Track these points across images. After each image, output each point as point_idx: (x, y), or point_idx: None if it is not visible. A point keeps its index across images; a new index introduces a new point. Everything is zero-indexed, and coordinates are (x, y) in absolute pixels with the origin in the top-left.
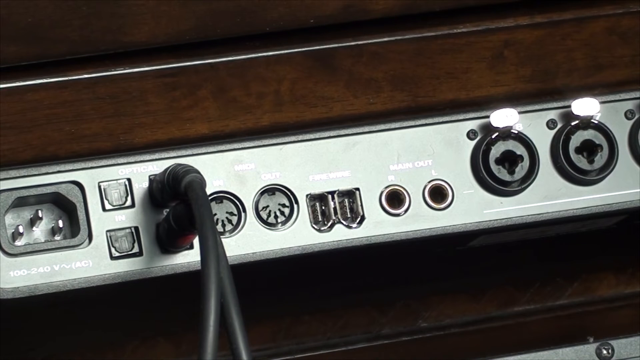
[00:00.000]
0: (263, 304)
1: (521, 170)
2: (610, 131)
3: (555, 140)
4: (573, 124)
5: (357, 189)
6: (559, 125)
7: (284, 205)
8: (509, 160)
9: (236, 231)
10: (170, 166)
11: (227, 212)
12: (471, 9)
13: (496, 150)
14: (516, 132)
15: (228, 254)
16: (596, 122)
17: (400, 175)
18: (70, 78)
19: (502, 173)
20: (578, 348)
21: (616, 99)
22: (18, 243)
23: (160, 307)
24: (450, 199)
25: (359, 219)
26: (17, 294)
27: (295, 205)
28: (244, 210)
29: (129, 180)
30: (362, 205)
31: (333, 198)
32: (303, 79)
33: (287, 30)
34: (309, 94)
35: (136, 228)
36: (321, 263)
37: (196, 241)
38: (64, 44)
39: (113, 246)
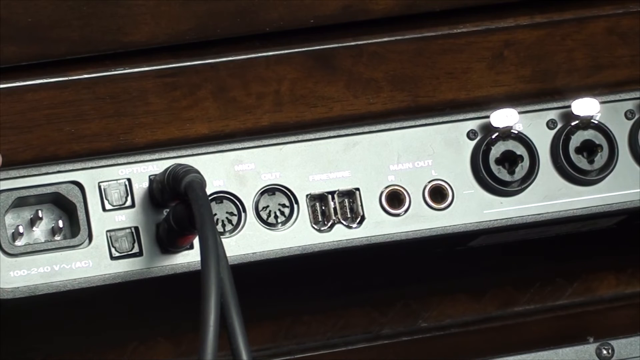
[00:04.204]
0: (263, 304)
1: (521, 170)
2: (610, 131)
3: (555, 140)
4: (573, 124)
5: (357, 189)
6: (559, 125)
7: (284, 205)
8: (509, 160)
9: (236, 231)
10: (170, 166)
11: (227, 212)
12: (471, 9)
13: (496, 150)
14: (516, 132)
15: (228, 254)
16: (596, 122)
17: (400, 175)
18: (70, 78)
19: (502, 173)
20: (578, 348)
21: (616, 99)
22: (18, 243)
23: (160, 307)
24: (450, 199)
25: (359, 219)
26: (17, 294)
27: (295, 205)
28: (244, 210)
29: (129, 180)
30: (362, 205)
31: (333, 198)
32: (303, 79)
33: (287, 30)
34: (309, 94)
35: (136, 228)
36: (321, 263)
37: (196, 241)
38: (64, 44)
39: (113, 246)
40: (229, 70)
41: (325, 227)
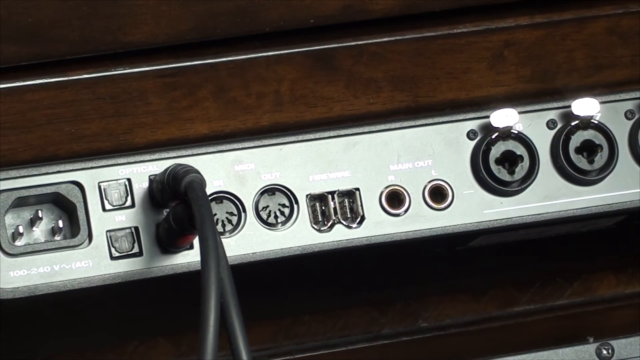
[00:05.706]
0: (263, 304)
1: (521, 170)
2: (610, 131)
3: (555, 140)
4: (573, 124)
5: (357, 189)
6: (559, 125)
7: (284, 206)
8: (509, 160)
9: (236, 231)
10: (170, 166)
11: (227, 212)
12: (471, 9)
13: (496, 150)
14: (516, 132)
15: (228, 254)
16: (596, 122)
17: (400, 175)
18: (70, 78)
19: (502, 173)
20: (578, 348)
21: (616, 99)
22: (18, 243)
23: (160, 307)
24: (450, 199)
25: (359, 219)
26: (17, 294)
27: (295, 206)
28: (244, 211)
29: (129, 180)
30: (362, 205)
31: (333, 198)
32: (303, 79)
33: (287, 30)
34: (309, 94)
35: (136, 228)
36: (321, 263)
37: (196, 241)
38: (64, 44)
39: (113, 246)
40: (229, 70)
41: (325, 227)
